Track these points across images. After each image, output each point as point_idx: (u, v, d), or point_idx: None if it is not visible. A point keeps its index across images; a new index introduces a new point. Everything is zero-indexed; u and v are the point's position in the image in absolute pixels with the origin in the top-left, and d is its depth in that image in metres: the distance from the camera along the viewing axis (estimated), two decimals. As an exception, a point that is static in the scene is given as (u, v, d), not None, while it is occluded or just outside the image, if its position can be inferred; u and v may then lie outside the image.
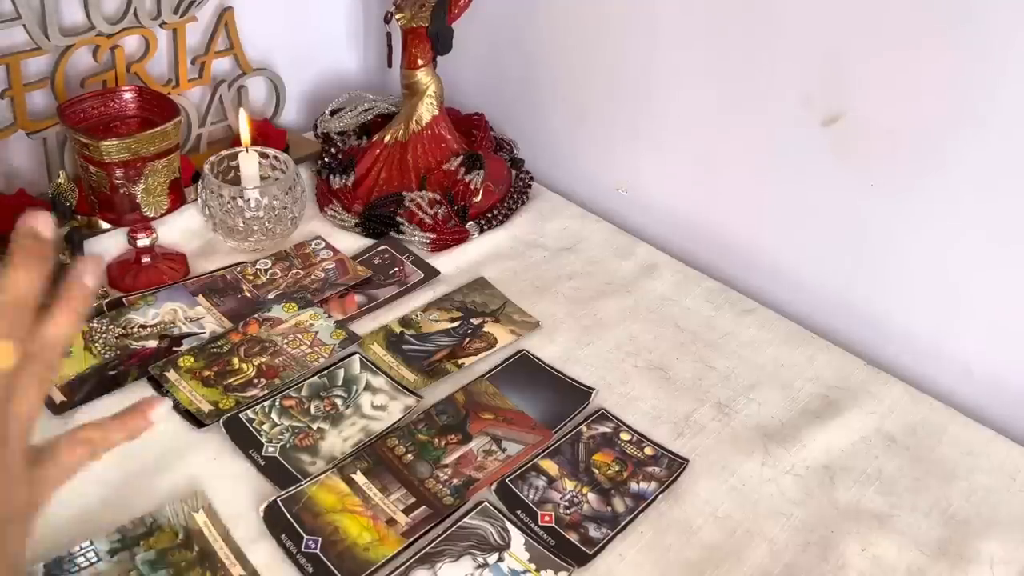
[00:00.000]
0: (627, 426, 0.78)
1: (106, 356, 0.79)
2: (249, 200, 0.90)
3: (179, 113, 0.83)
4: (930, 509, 0.73)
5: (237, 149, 0.94)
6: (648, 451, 0.76)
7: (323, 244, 0.97)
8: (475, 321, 0.88)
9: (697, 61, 0.94)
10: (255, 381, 0.78)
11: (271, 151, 0.95)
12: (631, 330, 0.89)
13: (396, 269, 0.95)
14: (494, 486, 0.71)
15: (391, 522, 0.67)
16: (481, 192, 1.02)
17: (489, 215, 1.02)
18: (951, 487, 0.75)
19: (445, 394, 0.79)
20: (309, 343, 0.83)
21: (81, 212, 0.90)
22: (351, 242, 0.98)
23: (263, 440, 0.73)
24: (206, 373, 0.78)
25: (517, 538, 0.67)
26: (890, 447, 0.78)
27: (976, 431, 0.80)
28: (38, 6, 0.86)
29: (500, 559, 0.65)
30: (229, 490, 0.69)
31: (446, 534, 0.67)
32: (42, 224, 0.42)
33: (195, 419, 0.74)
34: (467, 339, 0.86)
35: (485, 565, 0.65)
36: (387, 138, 1.04)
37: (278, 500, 0.67)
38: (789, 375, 0.85)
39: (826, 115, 0.86)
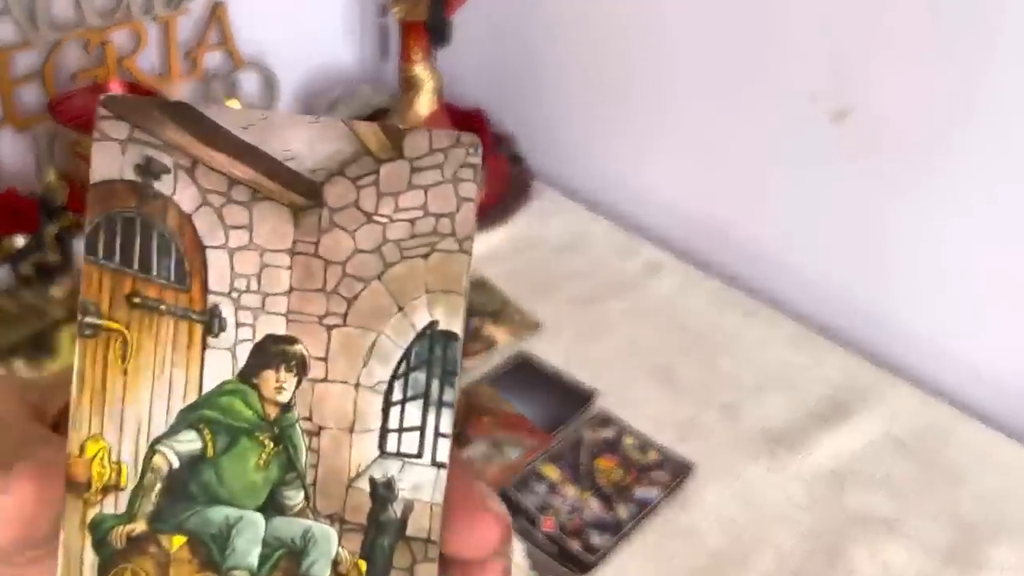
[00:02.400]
0: (630, 430, 0.77)
1: (97, 358, 0.77)
2: (243, 198, 0.89)
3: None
4: (939, 513, 0.72)
5: (231, 146, 0.92)
6: (652, 455, 0.74)
7: (319, 242, 0.95)
8: (474, 322, 0.87)
9: (704, 57, 0.93)
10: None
11: (266, 148, 0.94)
12: (634, 331, 0.88)
13: (393, 268, 0.93)
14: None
15: (389, 529, 0.66)
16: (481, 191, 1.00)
17: (489, 214, 1.01)
18: (960, 491, 0.74)
19: (444, 397, 0.78)
20: (305, 344, 0.81)
21: (72, 210, 0.88)
22: (348, 240, 0.97)
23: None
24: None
25: (517, 545, 0.66)
26: (898, 451, 0.77)
27: (985, 434, 0.80)
28: (27, -1, 0.85)
29: (500, 567, 0.64)
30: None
31: (445, 541, 0.66)
32: None
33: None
34: (465, 341, 0.84)
35: (485, 573, 0.64)
36: (384, 134, 1.02)
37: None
38: (796, 377, 0.84)
39: (834, 112, 0.84)
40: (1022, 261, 0.78)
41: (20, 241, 0.86)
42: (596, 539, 0.67)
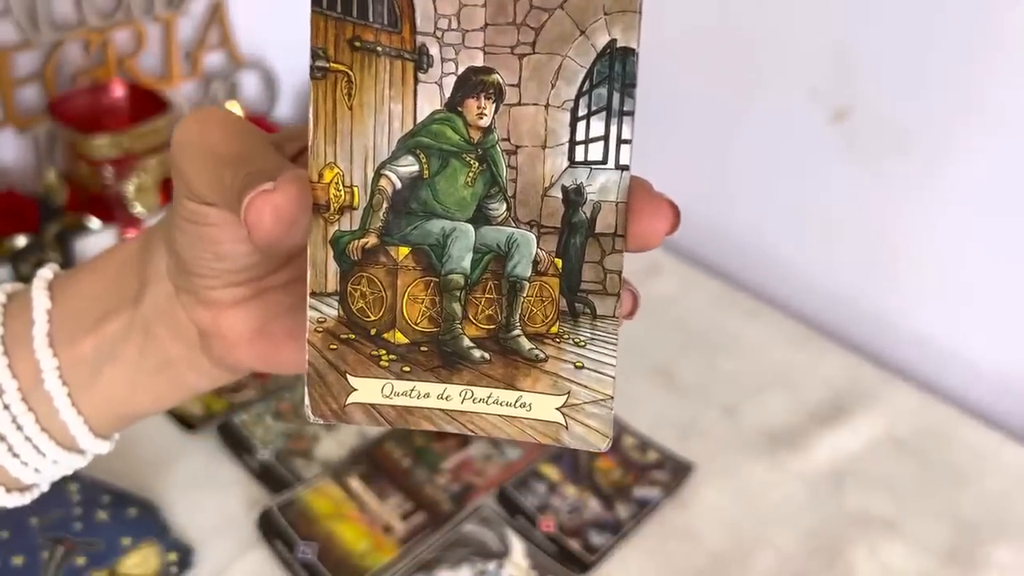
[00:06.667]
0: (630, 430, 0.76)
1: (96, 358, 0.77)
2: (243, 198, 0.88)
3: (171, 109, 0.82)
4: (939, 514, 0.72)
5: (231, 146, 0.92)
6: (652, 456, 0.74)
7: (319, 242, 0.95)
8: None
9: (704, 56, 0.92)
10: (248, 383, 0.77)
11: (266, 148, 0.94)
12: (634, 332, 0.87)
13: (394, 268, 0.93)
14: (494, 492, 0.70)
15: (388, 528, 0.66)
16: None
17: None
18: (961, 492, 0.74)
19: (443, 397, 0.77)
20: (304, 344, 0.80)
21: (71, 211, 0.88)
22: (348, 241, 0.97)
23: (256, 444, 0.71)
24: (199, 375, 0.76)
25: (517, 545, 0.66)
26: (899, 451, 0.77)
27: (987, 434, 0.79)
28: (27, -1, 0.85)
29: (500, 566, 0.64)
30: (221, 495, 0.67)
31: (444, 541, 0.65)
32: None
33: (185, 422, 0.72)
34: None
35: (484, 572, 0.64)
36: (385, 134, 1.02)
37: (272, 506, 0.66)
38: (796, 377, 0.83)
39: (835, 110, 0.84)
40: (1022, 261, 0.78)
41: (20, 241, 0.86)
42: (596, 539, 0.67)
